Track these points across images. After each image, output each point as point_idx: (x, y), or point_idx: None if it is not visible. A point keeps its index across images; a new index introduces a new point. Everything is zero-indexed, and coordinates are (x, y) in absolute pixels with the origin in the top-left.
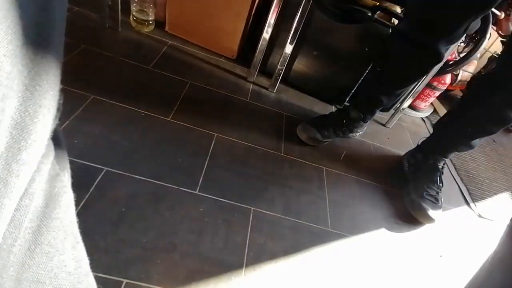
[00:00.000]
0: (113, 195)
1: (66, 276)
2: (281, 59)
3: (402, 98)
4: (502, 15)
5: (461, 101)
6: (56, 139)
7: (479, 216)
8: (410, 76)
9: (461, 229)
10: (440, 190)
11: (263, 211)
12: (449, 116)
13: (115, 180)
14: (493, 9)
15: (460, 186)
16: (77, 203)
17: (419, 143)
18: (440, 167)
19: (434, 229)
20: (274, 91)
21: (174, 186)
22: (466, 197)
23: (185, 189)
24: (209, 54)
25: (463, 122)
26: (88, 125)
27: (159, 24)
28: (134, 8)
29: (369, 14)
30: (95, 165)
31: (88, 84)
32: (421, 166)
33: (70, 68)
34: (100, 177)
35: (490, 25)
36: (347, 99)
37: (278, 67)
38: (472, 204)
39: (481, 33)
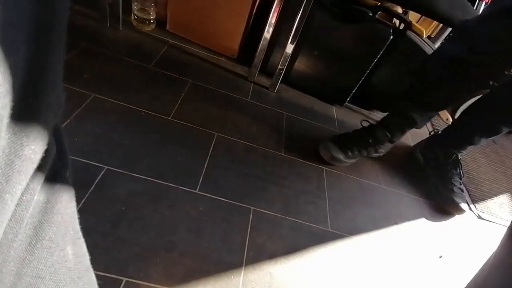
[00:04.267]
0: (113, 194)
1: (67, 272)
2: (282, 58)
3: None
4: None
5: (493, 94)
6: (58, 135)
7: (479, 217)
8: (457, 100)
9: (460, 230)
10: (462, 181)
11: (262, 210)
12: (478, 106)
13: (115, 178)
14: None
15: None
16: (77, 202)
17: (431, 133)
18: (461, 158)
19: (433, 230)
20: (275, 91)
21: (174, 185)
22: (466, 198)
23: (185, 188)
24: (210, 53)
25: (494, 111)
26: (88, 124)
27: (160, 23)
28: (135, 7)
29: (370, 14)
30: (95, 163)
31: (88, 83)
32: (442, 160)
33: (71, 67)
34: (100, 175)
35: None
36: (348, 99)
37: (279, 66)
38: (472, 205)
39: None
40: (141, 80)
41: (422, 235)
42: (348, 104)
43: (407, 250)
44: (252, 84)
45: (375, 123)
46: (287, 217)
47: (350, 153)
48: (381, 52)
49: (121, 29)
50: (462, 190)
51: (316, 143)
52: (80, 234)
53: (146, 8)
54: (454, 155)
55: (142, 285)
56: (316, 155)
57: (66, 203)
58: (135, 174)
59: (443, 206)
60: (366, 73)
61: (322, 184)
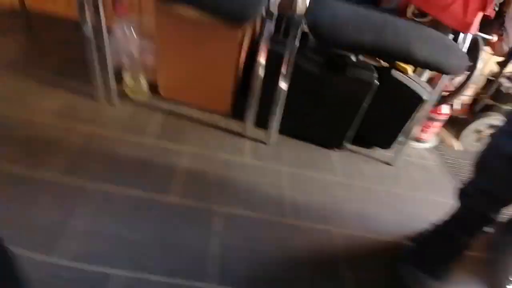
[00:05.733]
0: None
1: None
2: (274, 109)
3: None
4: (495, 37)
5: None
6: None
7: None
8: None
9: None
10: None
11: None
12: None
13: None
14: (483, 34)
15: None
16: None
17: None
18: None
19: None
20: (271, 144)
21: (187, 282)
22: None
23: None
24: (205, 113)
25: None
26: (95, 223)
27: (152, 87)
28: (126, 76)
29: (353, 58)
30: (102, 268)
31: (90, 175)
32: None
33: (72, 160)
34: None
35: (481, 52)
36: (344, 140)
37: (272, 117)
38: None
39: (473, 61)
40: (137, 159)
41: None
42: (347, 145)
43: None
44: (247, 141)
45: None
46: None
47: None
48: (370, 93)
49: (115, 102)
50: None
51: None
52: None
53: (137, 76)
54: None
55: None
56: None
57: None
58: (150, 277)
59: None
60: (358, 115)
61: (330, 243)
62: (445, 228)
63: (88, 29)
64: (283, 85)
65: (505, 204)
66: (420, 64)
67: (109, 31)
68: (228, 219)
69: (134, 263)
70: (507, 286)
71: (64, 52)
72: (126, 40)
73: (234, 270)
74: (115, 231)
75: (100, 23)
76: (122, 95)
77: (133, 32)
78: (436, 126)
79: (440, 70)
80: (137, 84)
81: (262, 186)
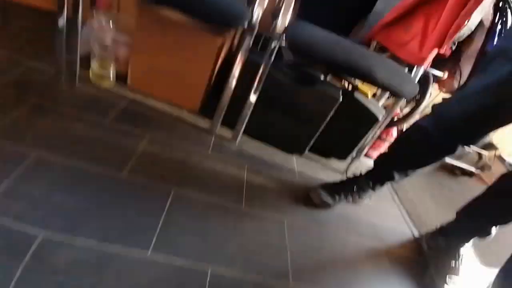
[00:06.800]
0: (51, 264)
1: None
2: (244, 111)
3: (359, 150)
4: (445, 75)
5: (492, 191)
6: None
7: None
8: (425, 164)
9: (412, 273)
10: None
11: (221, 274)
12: (477, 205)
13: (54, 246)
14: (435, 71)
15: (414, 232)
16: (12, 272)
17: (437, 227)
18: (462, 253)
19: (389, 280)
20: (236, 143)
21: (122, 250)
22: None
23: (136, 251)
24: (172, 107)
25: (492, 211)
26: (27, 186)
27: (121, 78)
28: (94, 63)
29: (321, 77)
30: (30, 231)
31: (33, 141)
32: (442, 251)
33: (17, 125)
34: (36, 243)
35: (431, 86)
36: (307, 149)
37: (241, 118)
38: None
39: (422, 94)
40: (93, 137)
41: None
42: (307, 153)
43: None
44: (213, 137)
45: (359, 175)
46: (248, 275)
47: (338, 198)
48: (334, 108)
49: (77, 85)
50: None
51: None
52: None
53: (105, 64)
54: (453, 248)
55: None
56: (305, 199)
57: None
58: (77, 241)
59: None
60: (321, 127)
61: (283, 237)
62: (356, 176)
63: (63, 19)
64: (252, 97)
65: (406, 168)
66: (380, 85)
67: (84, 22)
68: (180, 199)
69: (68, 226)
70: (445, 285)
71: (35, 38)
72: (101, 31)
73: (170, 242)
74: (57, 200)
75: (77, 14)
76: (86, 81)
77: (110, 25)
78: (384, 146)
79: (395, 92)
80: (105, 72)
81: (222, 176)
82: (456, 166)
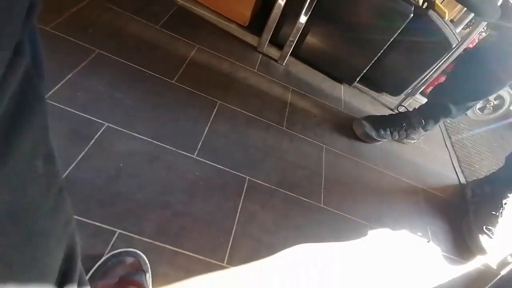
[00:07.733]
0: (112, 150)
1: (36, 185)
2: (294, 30)
3: (417, 85)
4: None
5: None
6: (33, 40)
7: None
8: (489, 92)
9: (448, 215)
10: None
11: (258, 181)
12: None
13: (115, 136)
14: None
15: (460, 178)
16: (76, 154)
17: (488, 174)
18: (505, 203)
19: (422, 216)
20: (284, 64)
21: (172, 148)
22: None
23: (183, 152)
24: (221, 18)
25: None
26: (91, 80)
27: None
28: None
29: None
30: (96, 119)
31: (94, 38)
32: (485, 199)
33: (76, 20)
34: (100, 131)
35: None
36: (358, 79)
37: (290, 38)
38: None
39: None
40: (147, 40)
41: (410, 222)
42: (357, 84)
43: (396, 235)
44: (260, 55)
45: (411, 110)
46: (280, 189)
47: (383, 132)
48: (399, 30)
49: None
50: (493, 233)
51: (319, 120)
52: (54, 153)
53: None
54: (499, 197)
55: (135, 238)
56: (347, 130)
57: (38, 115)
58: (134, 133)
59: (466, 242)
60: (381, 52)
61: (320, 161)
62: (407, 111)
63: None
64: (302, 18)
65: (465, 100)
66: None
67: None
68: (224, 111)
69: (126, 121)
70: (480, 236)
71: None
72: None
73: (214, 148)
74: (118, 96)
75: None
76: None
77: None
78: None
79: (475, 9)
80: None
81: (266, 94)
82: None
